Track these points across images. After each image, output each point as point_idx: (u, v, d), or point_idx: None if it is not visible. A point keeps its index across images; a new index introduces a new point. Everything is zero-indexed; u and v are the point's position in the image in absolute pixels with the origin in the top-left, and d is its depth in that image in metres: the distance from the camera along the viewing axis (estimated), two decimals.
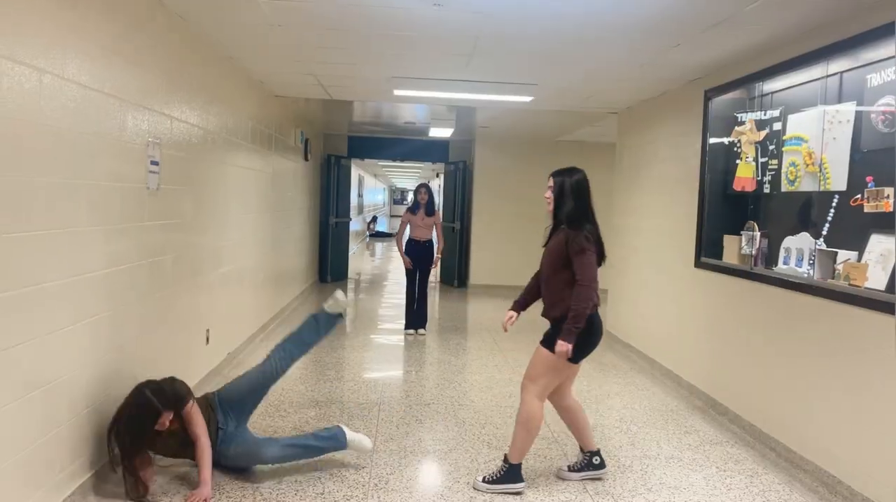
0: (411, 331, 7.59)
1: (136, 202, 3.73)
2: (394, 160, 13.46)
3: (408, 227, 7.72)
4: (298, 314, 8.59)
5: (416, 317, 7.64)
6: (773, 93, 4.85)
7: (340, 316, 3.98)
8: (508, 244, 11.51)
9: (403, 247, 7.69)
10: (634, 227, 7.00)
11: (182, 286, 4.55)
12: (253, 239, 6.65)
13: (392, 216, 45.10)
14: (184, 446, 3.46)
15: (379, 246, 22.81)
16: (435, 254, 7.70)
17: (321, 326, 3.95)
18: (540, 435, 4.36)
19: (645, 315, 6.58)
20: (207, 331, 5.17)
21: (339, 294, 3.98)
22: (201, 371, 5.07)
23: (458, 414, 4.77)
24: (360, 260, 16.83)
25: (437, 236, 7.77)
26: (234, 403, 3.75)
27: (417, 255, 7.62)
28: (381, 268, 15.65)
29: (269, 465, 3.69)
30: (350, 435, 3.83)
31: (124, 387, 3.66)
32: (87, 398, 3.25)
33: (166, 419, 3.29)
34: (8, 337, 2.59)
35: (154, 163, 3.92)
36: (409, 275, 7.61)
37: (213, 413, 3.69)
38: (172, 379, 3.49)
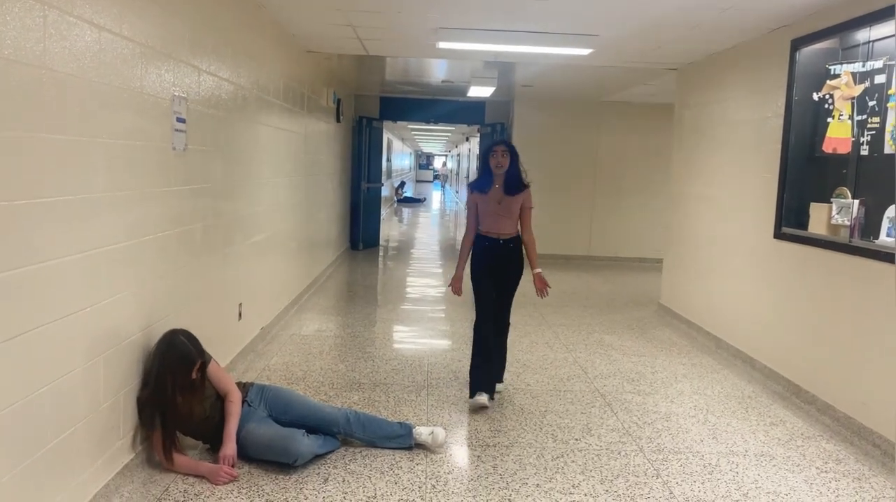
0: (483, 398, 4.12)
1: (161, 164, 3.29)
2: (427, 122, 12.90)
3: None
4: (333, 283, 8.20)
5: (488, 370, 4.27)
6: (873, 41, 4.25)
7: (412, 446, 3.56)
8: (548, 211, 10.91)
9: (468, 252, 4.36)
10: (698, 194, 6.44)
11: (213, 257, 4.14)
12: (286, 205, 6.22)
13: (418, 181, 44.54)
14: (214, 412, 3.29)
15: (406, 211, 22.40)
16: (533, 270, 4.31)
17: (392, 440, 3.54)
18: (609, 427, 3.93)
19: (710, 289, 6.06)
20: (240, 305, 4.77)
21: (440, 434, 3.56)
22: (234, 348, 4.68)
23: (514, 400, 4.34)
24: (388, 226, 16.43)
25: (524, 235, 4.35)
26: (276, 401, 3.47)
27: (493, 262, 4.28)
28: (409, 234, 15.28)
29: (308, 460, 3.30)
30: (418, 432, 3.56)
31: None
32: (107, 390, 2.85)
33: (198, 367, 3.19)
34: (10, 325, 2.17)
35: (180, 120, 3.47)
36: (482, 297, 4.29)
37: (242, 388, 3.46)
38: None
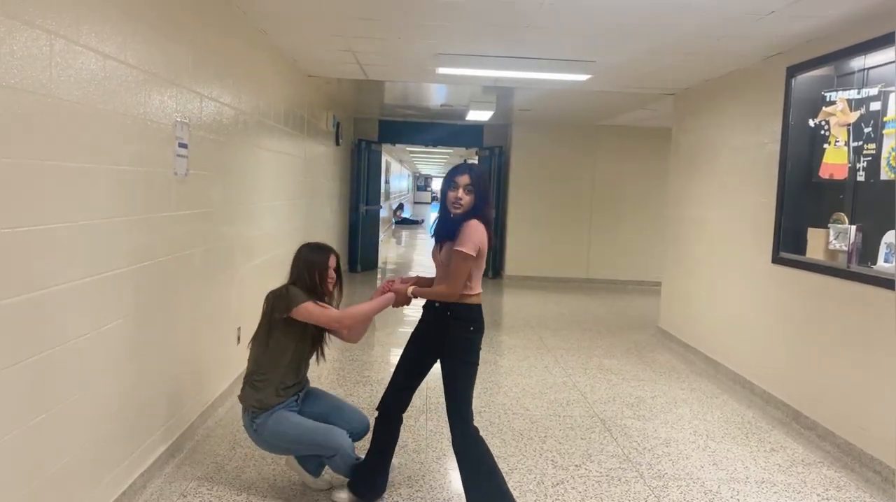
0: None
1: (163, 189, 3.31)
2: (426, 146, 12.96)
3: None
4: None
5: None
6: (868, 68, 4.31)
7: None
8: (546, 234, 11.00)
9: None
10: (695, 218, 6.47)
11: (212, 282, 4.14)
12: (286, 228, 6.23)
13: (416, 203, 44.52)
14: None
15: (404, 233, 22.43)
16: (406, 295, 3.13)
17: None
18: (609, 453, 3.91)
19: (709, 313, 6.06)
20: (239, 329, 4.76)
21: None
22: (232, 373, 4.67)
23: (513, 425, 4.32)
24: (386, 247, 16.46)
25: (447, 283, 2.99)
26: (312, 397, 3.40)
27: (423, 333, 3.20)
28: (407, 256, 15.28)
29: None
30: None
31: (152, 396, 3.29)
32: (110, 414, 2.84)
33: (334, 262, 3.31)
34: (14, 352, 2.17)
35: (182, 145, 3.49)
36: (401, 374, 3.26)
37: (300, 382, 3.33)
38: None
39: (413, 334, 3.23)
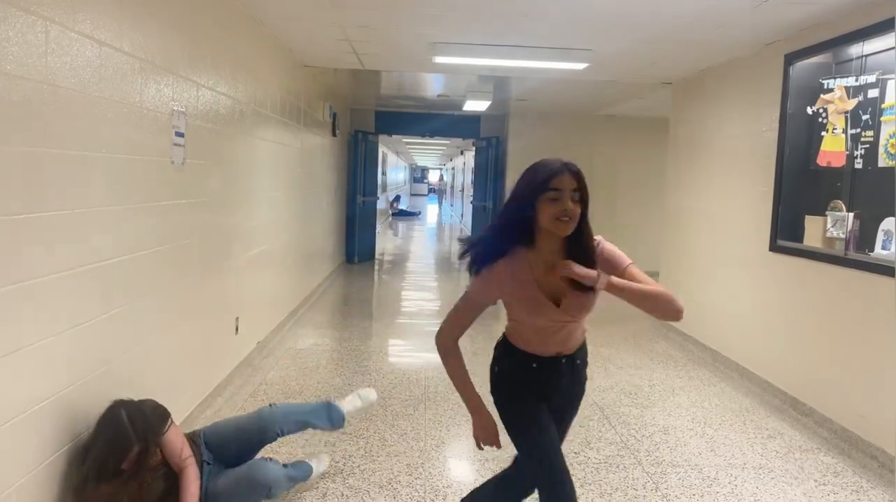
0: None
1: (160, 178, 3.30)
2: (422, 136, 12.94)
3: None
4: (328, 296, 8.19)
5: None
6: (866, 55, 4.30)
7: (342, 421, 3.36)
8: None
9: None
10: (693, 208, 6.47)
11: (210, 272, 4.14)
12: (282, 219, 6.22)
13: (412, 195, 44.38)
14: (168, 492, 2.66)
15: (401, 225, 22.42)
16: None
17: (333, 419, 3.32)
18: (608, 441, 3.93)
19: (706, 302, 6.07)
20: (237, 319, 4.76)
21: (368, 394, 3.53)
22: (231, 362, 4.67)
23: None
24: (383, 239, 16.45)
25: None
26: (212, 440, 2.97)
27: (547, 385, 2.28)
28: (404, 248, 15.29)
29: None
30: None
31: (150, 387, 3.28)
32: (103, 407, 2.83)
33: (133, 455, 2.49)
34: (8, 340, 2.17)
35: (179, 134, 3.48)
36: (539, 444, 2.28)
37: (196, 447, 2.88)
38: (152, 403, 2.70)
39: (532, 400, 2.26)
